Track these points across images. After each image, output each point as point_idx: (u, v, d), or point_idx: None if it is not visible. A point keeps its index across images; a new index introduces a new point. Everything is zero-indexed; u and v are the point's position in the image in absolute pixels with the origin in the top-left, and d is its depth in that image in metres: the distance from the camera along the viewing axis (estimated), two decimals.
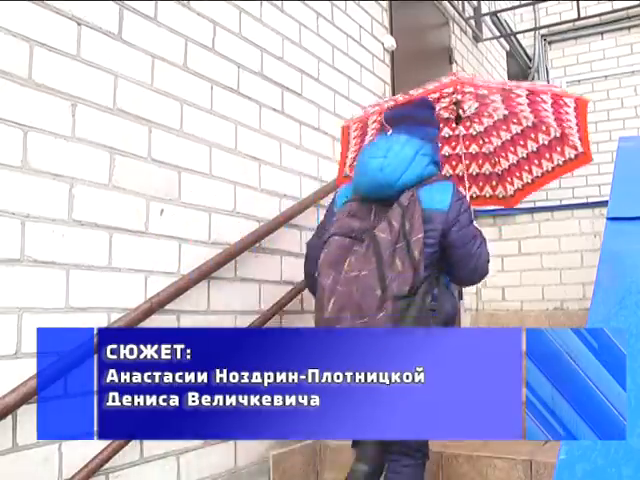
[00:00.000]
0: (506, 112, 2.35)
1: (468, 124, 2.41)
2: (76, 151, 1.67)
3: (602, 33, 6.37)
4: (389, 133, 1.85)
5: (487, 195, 2.54)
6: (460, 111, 2.25)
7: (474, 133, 2.44)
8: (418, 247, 1.69)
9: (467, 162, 2.44)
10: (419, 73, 4.16)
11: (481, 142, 2.45)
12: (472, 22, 5.21)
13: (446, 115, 2.32)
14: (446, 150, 2.44)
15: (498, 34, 5.77)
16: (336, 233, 1.77)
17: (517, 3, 6.12)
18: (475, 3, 5.25)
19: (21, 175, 1.52)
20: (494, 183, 2.51)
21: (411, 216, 1.71)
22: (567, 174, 2.50)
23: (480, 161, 2.50)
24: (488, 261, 1.89)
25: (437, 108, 2.15)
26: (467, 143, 2.44)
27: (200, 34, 2.15)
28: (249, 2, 2.41)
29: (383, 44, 3.55)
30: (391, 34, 3.66)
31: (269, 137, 2.47)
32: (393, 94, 3.62)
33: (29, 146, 1.55)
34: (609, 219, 2.01)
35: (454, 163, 2.47)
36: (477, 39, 5.35)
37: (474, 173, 2.50)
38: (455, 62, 4.77)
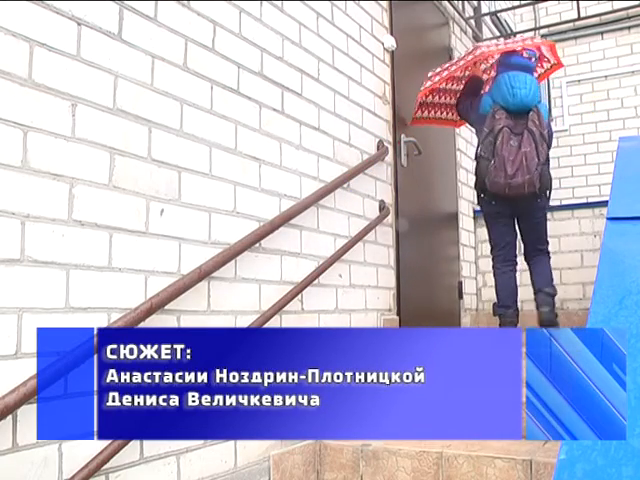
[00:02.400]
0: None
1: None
2: (76, 151, 1.67)
3: (602, 33, 6.36)
4: (515, 72, 3.18)
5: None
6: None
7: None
8: (546, 135, 3.13)
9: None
10: (419, 73, 4.16)
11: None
12: (472, 22, 5.21)
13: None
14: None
15: (498, 34, 5.76)
16: (504, 126, 3.08)
17: (517, 3, 6.12)
18: (475, 3, 5.25)
19: (21, 175, 1.52)
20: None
21: (540, 120, 3.10)
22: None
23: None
24: None
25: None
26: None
27: (200, 34, 2.15)
28: (249, 2, 2.41)
29: (383, 44, 3.55)
30: (391, 34, 3.66)
31: (269, 137, 2.47)
32: (393, 94, 3.62)
33: (29, 146, 1.55)
34: (609, 219, 2.01)
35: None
36: (477, 39, 5.35)
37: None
38: None
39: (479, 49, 3.37)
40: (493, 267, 3.38)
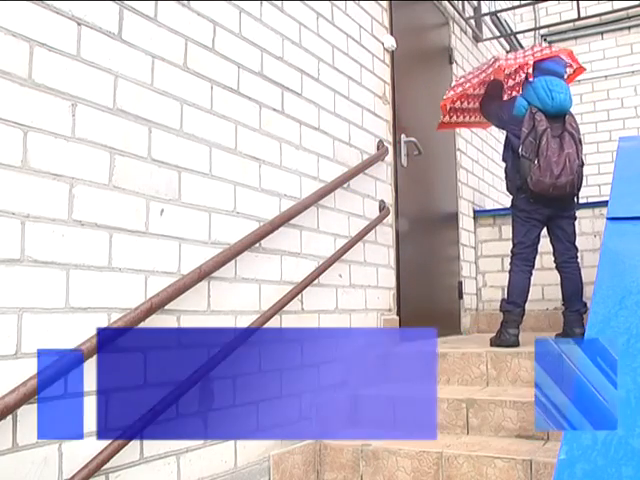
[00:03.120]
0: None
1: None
2: (76, 151, 1.67)
3: (602, 33, 6.37)
4: (551, 77, 3.30)
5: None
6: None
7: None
8: (580, 138, 3.28)
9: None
10: (419, 73, 4.17)
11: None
12: (472, 22, 5.22)
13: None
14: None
15: (498, 34, 5.77)
16: (547, 128, 3.17)
17: (517, 3, 6.13)
18: (475, 3, 5.25)
19: (21, 175, 1.52)
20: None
21: (576, 124, 3.29)
22: None
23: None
24: None
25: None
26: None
27: (200, 34, 2.15)
28: (249, 2, 2.41)
29: (383, 44, 3.55)
30: (391, 34, 3.66)
31: (269, 137, 2.47)
32: (393, 94, 3.62)
33: (29, 146, 1.55)
34: (609, 219, 2.01)
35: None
36: (477, 39, 5.35)
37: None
38: (455, 62, 4.77)
39: (498, 62, 3.45)
40: (511, 264, 3.41)
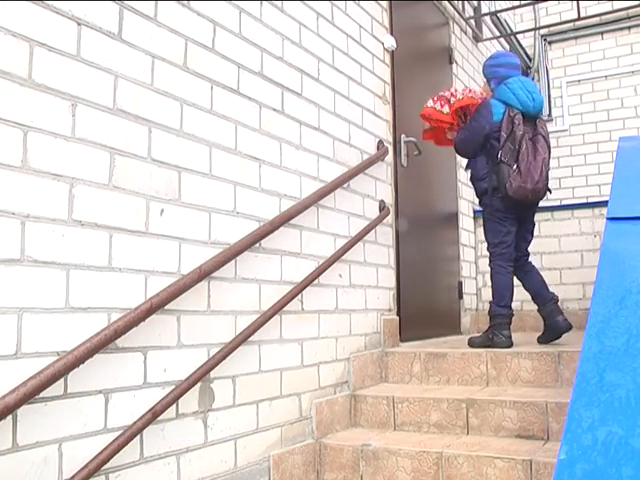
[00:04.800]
0: None
1: None
2: (76, 151, 1.67)
3: (602, 33, 6.36)
4: (523, 77, 3.33)
5: None
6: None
7: None
8: (550, 143, 3.29)
9: None
10: (419, 73, 4.16)
11: None
12: (472, 22, 5.22)
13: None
14: None
15: (498, 34, 5.77)
16: (525, 133, 3.16)
17: (517, 3, 6.13)
18: (475, 3, 5.26)
19: (21, 175, 1.52)
20: None
21: (546, 127, 3.29)
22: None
23: None
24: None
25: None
26: None
27: (200, 34, 2.15)
28: (249, 2, 2.41)
29: (383, 44, 3.55)
30: (391, 34, 3.66)
31: (269, 137, 2.47)
32: (393, 94, 3.62)
33: (29, 146, 1.55)
34: (609, 219, 2.02)
35: None
36: (477, 39, 5.35)
37: None
38: (455, 62, 4.77)
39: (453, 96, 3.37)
40: (497, 265, 3.29)
